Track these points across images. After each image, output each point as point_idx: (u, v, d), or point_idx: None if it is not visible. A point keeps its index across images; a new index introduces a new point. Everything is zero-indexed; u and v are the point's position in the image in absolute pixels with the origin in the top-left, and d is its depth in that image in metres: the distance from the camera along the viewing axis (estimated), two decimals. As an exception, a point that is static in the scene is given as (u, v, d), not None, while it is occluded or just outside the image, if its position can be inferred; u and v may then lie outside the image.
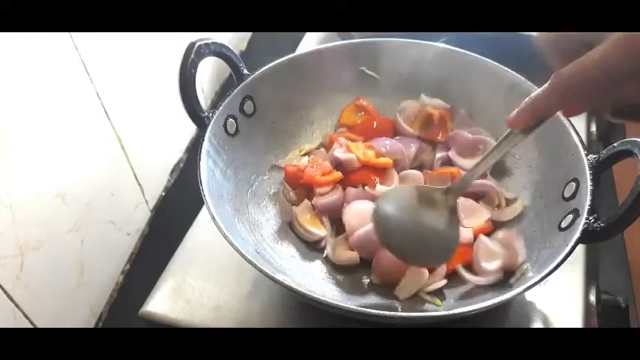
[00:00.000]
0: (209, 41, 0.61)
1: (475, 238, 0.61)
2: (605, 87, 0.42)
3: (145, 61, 0.70)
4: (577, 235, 0.52)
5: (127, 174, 0.71)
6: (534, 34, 0.48)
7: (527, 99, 0.46)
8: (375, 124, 0.73)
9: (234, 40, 0.97)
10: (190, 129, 0.84)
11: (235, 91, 0.65)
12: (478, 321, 0.56)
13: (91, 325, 0.68)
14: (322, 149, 0.72)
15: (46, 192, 0.57)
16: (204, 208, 0.67)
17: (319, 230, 0.64)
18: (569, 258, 0.50)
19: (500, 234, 0.62)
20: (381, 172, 0.67)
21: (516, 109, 0.47)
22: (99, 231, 0.66)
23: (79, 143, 0.61)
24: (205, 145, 0.60)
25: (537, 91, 0.44)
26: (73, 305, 0.64)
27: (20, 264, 0.54)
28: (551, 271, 0.50)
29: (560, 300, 0.61)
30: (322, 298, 0.50)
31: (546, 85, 0.44)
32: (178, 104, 0.60)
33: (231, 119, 0.65)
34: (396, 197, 0.58)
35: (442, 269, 0.60)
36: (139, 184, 0.73)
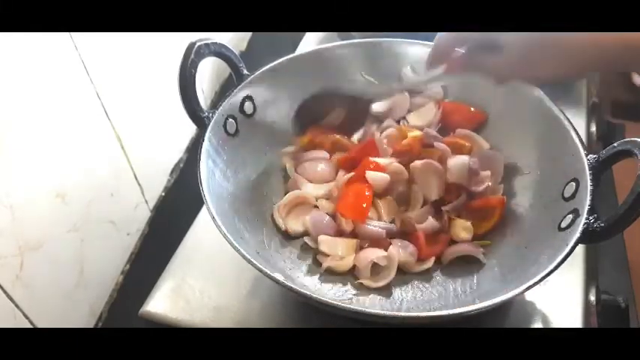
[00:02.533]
0: (209, 41, 0.61)
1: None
2: (468, 53, 0.57)
3: (145, 61, 0.70)
4: (577, 235, 0.52)
5: (127, 174, 0.71)
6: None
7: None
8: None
9: (234, 40, 0.97)
10: (190, 129, 0.84)
11: (235, 91, 0.65)
12: (478, 321, 0.56)
13: (91, 325, 0.68)
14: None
15: (46, 192, 0.57)
16: (204, 208, 0.67)
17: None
18: (569, 258, 0.50)
19: None
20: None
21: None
22: (99, 231, 0.66)
23: (79, 143, 0.61)
24: (205, 145, 0.60)
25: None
26: (72, 305, 0.64)
27: (20, 264, 0.54)
28: (551, 271, 0.50)
29: (560, 300, 0.61)
30: (322, 298, 0.50)
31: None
32: (178, 104, 0.60)
33: (231, 119, 0.65)
34: None
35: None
36: (139, 184, 0.73)
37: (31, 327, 0.57)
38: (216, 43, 0.61)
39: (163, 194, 0.79)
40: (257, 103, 0.68)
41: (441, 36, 0.57)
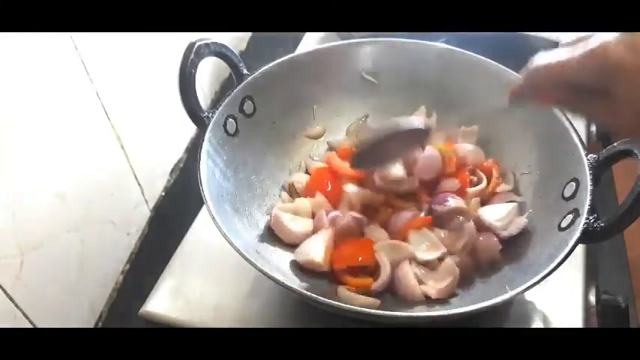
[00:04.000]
0: (209, 41, 0.61)
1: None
2: (568, 93, 0.42)
3: (145, 61, 0.70)
4: (577, 235, 0.52)
5: (127, 174, 0.71)
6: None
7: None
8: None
9: (234, 40, 0.97)
10: (190, 129, 0.84)
11: (235, 91, 0.65)
12: (478, 321, 0.56)
13: (91, 325, 0.68)
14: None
15: (46, 192, 0.57)
16: (204, 208, 0.67)
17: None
18: (569, 258, 0.50)
19: None
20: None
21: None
22: (99, 231, 0.66)
23: (79, 143, 0.61)
24: (205, 145, 0.60)
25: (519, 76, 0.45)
26: (72, 305, 0.64)
27: (20, 264, 0.54)
28: (551, 271, 0.50)
29: (560, 300, 0.61)
30: (322, 298, 0.50)
31: (523, 72, 0.44)
32: (178, 104, 0.60)
33: (231, 119, 0.65)
34: None
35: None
36: (139, 184, 0.73)
37: (31, 327, 0.57)
38: (216, 43, 0.61)
39: (163, 194, 0.79)
40: (257, 103, 0.68)
41: (537, 70, 0.43)
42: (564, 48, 0.40)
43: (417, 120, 0.65)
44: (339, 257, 0.61)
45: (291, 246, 0.63)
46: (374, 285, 0.59)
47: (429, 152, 0.66)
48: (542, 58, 0.42)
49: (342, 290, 0.59)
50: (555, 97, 0.44)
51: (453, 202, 0.62)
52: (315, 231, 0.63)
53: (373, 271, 0.60)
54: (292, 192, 0.69)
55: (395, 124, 0.62)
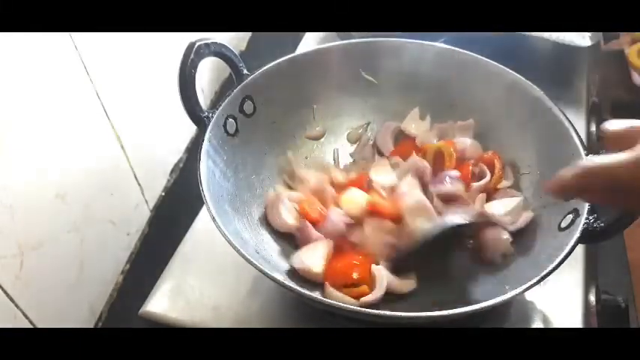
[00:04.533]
0: (209, 41, 0.61)
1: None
2: (613, 193, 0.43)
3: (145, 61, 0.70)
4: (577, 235, 0.52)
5: (127, 174, 0.71)
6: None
7: (560, 173, 0.45)
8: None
9: (234, 40, 0.97)
10: (190, 129, 0.84)
11: (235, 91, 0.65)
12: (478, 321, 0.56)
13: (91, 325, 0.68)
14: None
15: (46, 192, 0.57)
16: (204, 208, 0.67)
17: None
18: (569, 258, 0.50)
19: None
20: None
21: (552, 180, 0.46)
22: (99, 231, 0.66)
23: (79, 143, 0.61)
24: (205, 145, 0.60)
25: (567, 171, 0.44)
26: (72, 305, 0.64)
27: (20, 264, 0.54)
28: (551, 271, 0.50)
29: (560, 300, 0.61)
30: (321, 298, 0.50)
31: (572, 170, 0.43)
32: (178, 104, 0.60)
33: (231, 119, 0.65)
34: None
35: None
36: (139, 184, 0.73)
37: (31, 327, 0.57)
38: (216, 43, 0.61)
39: (163, 194, 0.79)
40: (257, 103, 0.68)
41: (589, 172, 0.43)
42: (609, 154, 0.41)
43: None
44: (333, 273, 0.59)
45: (289, 242, 0.64)
46: (367, 297, 0.56)
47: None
48: (590, 162, 0.43)
49: (330, 289, 0.58)
50: (600, 196, 0.45)
51: (452, 182, 0.63)
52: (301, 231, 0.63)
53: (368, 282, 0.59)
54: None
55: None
